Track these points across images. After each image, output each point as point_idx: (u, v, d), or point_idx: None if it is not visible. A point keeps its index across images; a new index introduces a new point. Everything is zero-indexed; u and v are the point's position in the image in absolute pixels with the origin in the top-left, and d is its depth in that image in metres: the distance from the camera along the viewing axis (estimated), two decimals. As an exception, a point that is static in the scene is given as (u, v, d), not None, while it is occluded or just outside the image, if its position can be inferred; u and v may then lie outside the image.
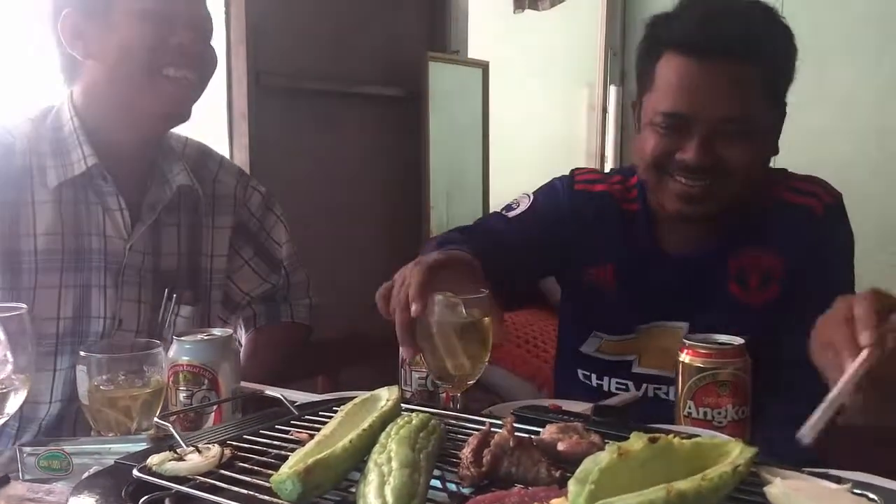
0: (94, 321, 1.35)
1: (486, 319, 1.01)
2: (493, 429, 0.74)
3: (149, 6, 1.30)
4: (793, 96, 1.33)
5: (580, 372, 1.43)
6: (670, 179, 1.28)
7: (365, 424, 0.73)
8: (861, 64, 3.24)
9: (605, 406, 0.87)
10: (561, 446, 0.72)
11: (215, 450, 0.72)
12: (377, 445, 0.69)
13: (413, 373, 1.18)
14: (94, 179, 1.35)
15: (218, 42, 1.98)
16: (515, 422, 0.86)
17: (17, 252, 1.30)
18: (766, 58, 1.24)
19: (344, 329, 2.01)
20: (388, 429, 0.73)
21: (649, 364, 1.37)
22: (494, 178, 2.91)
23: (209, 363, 1.07)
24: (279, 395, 0.90)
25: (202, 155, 1.54)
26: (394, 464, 0.65)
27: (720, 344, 1.08)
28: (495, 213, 1.48)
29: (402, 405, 0.89)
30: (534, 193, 1.46)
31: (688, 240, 1.35)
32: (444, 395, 1.09)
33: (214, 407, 1.06)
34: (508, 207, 1.45)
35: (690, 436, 0.76)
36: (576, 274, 1.42)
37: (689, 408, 1.07)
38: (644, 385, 1.37)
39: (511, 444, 0.69)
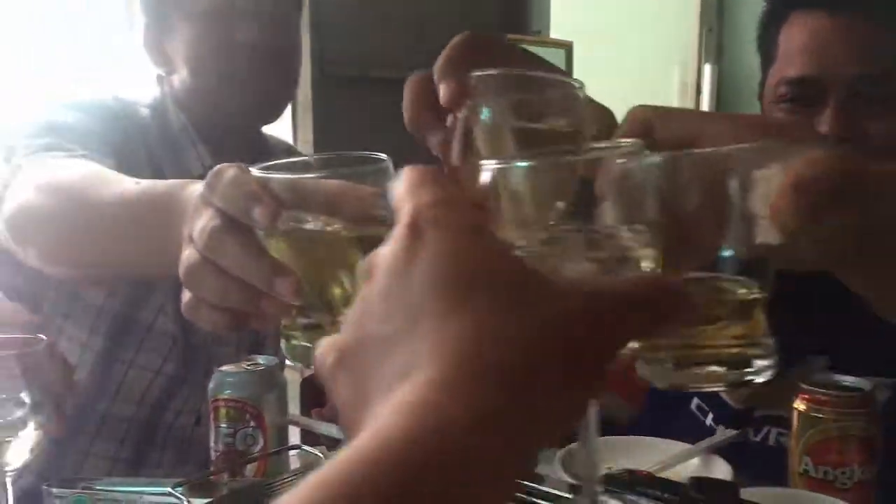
0: (197, 332, 1.23)
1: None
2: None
3: (208, 5, 1.19)
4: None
5: (695, 402, 1.24)
6: None
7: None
8: None
9: (705, 479, 0.73)
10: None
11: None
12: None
13: None
14: None
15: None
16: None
17: None
18: None
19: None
20: None
21: (774, 405, 1.15)
22: (578, 166, 2.73)
23: (251, 397, 0.96)
24: (316, 453, 0.78)
25: (288, 155, 1.44)
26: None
27: (844, 389, 0.91)
28: None
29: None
30: None
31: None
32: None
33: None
34: None
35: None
36: None
37: (806, 465, 0.90)
38: (766, 429, 1.17)
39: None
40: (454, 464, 0.29)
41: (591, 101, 0.65)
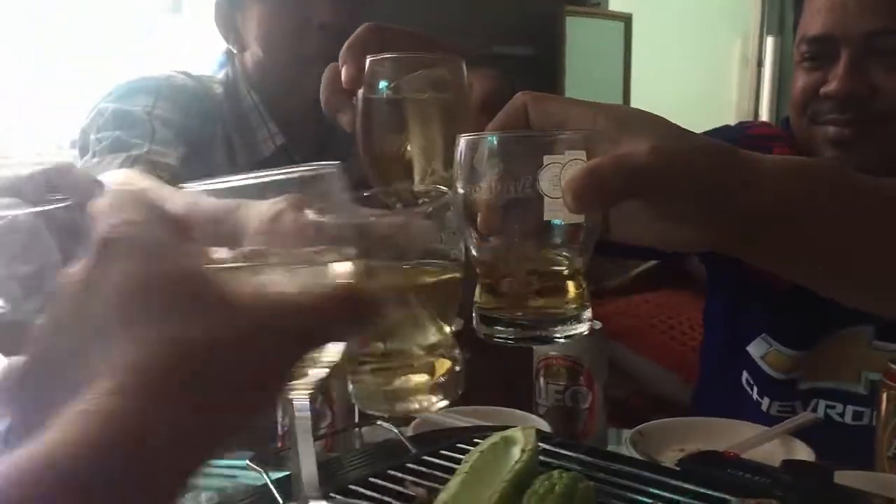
0: None
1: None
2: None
3: None
4: None
5: (745, 376, 1.22)
6: (818, 128, 1.08)
7: (495, 496, 0.58)
8: None
9: (797, 462, 0.69)
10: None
11: (313, 514, 0.59)
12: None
13: (549, 386, 1.02)
14: (280, 162, 1.27)
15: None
16: (682, 476, 0.69)
17: None
18: None
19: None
20: (525, 499, 0.57)
21: (821, 377, 1.14)
22: (635, 142, 2.67)
23: None
24: (393, 429, 0.77)
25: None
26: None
27: (939, 370, 0.87)
28: None
29: (541, 444, 0.73)
30: None
31: None
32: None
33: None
34: None
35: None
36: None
37: (896, 449, 0.86)
38: (814, 401, 1.15)
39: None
40: (125, 466, 0.30)
41: (485, 70, 0.75)
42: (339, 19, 1.19)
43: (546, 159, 0.49)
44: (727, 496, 0.61)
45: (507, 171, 0.49)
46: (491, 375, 1.42)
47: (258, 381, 0.35)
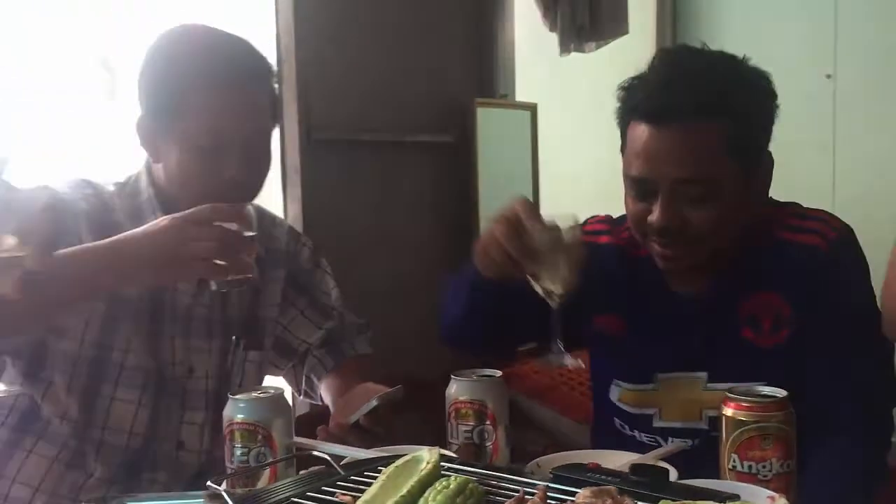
0: (169, 367, 1.43)
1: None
2: (526, 495, 0.76)
3: (203, 142, 1.36)
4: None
5: (616, 420, 1.43)
6: (649, 240, 1.32)
7: (404, 490, 0.76)
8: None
9: (643, 465, 0.89)
10: (593, 512, 0.73)
11: (263, 516, 0.76)
12: (414, 512, 0.72)
13: (459, 426, 1.20)
14: None
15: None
16: (553, 481, 0.88)
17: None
18: (729, 116, 1.24)
19: (400, 377, 2.03)
20: (426, 494, 0.76)
21: (671, 417, 1.36)
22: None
23: (263, 420, 1.11)
24: (325, 456, 0.94)
25: (259, 215, 1.59)
26: (429, 532, 0.68)
27: (763, 396, 1.08)
28: None
29: (445, 463, 0.91)
30: None
31: (695, 283, 1.35)
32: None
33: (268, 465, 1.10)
34: None
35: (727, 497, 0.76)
36: (585, 322, 1.42)
37: (734, 461, 1.06)
38: (669, 439, 1.36)
39: (543, 511, 0.71)
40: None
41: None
42: (248, 173, 1.40)
43: None
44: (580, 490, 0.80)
45: None
46: (409, 423, 1.60)
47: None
